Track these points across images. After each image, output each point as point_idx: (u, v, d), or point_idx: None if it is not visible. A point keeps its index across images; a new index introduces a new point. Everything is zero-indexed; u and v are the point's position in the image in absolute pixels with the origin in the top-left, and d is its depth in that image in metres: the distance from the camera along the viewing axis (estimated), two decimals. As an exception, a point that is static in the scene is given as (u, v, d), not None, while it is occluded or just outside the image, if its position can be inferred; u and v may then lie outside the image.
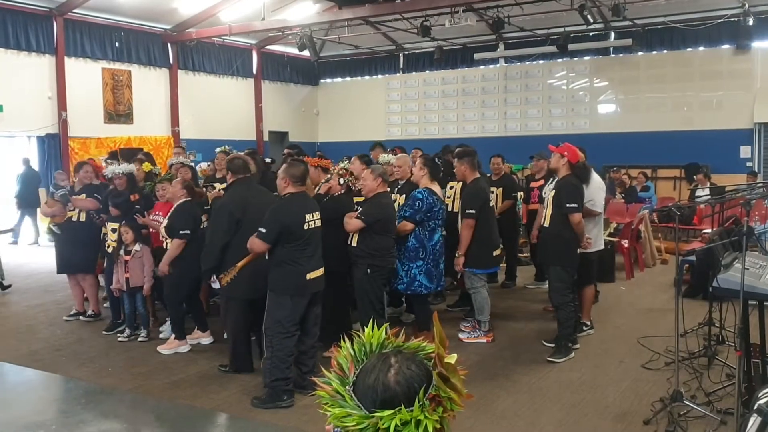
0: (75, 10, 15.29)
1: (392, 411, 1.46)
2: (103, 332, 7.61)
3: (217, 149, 8.67)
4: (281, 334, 5.41)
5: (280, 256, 5.39)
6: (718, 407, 5.02)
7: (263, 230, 5.32)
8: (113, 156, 10.78)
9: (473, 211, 6.92)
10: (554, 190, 6.66)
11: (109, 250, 7.54)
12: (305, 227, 5.38)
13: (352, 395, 1.51)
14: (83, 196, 7.95)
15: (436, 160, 7.88)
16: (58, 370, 6.41)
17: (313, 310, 5.68)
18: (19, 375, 6.50)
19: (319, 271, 5.58)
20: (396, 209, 6.77)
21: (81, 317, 8.23)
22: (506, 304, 8.74)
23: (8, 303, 9.23)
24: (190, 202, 6.95)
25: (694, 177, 14.38)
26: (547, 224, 6.70)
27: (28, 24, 14.77)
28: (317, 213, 5.58)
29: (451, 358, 1.54)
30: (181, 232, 6.70)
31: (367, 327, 1.63)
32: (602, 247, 7.44)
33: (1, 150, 15.61)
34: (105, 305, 8.48)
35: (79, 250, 7.99)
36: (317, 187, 6.91)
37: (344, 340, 1.62)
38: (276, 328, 5.43)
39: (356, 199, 6.82)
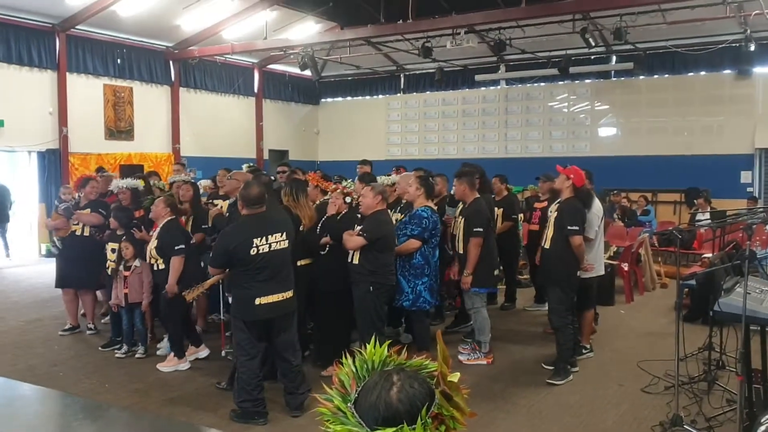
0: (78, 27, 15.32)
1: (394, 429, 1.44)
2: (100, 348, 7.58)
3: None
4: (243, 357, 5.42)
5: (233, 279, 5.45)
6: (719, 432, 4.99)
7: (212, 255, 5.40)
8: (101, 171, 10.80)
9: (481, 229, 6.94)
10: (556, 212, 6.65)
11: (108, 271, 7.52)
12: (252, 252, 5.21)
13: (354, 412, 1.50)
14: (88, 211, 7.96)
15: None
16: (55, 386, 6.35)
17: (279, 338, 5.54)
18: (16, 390, 6.41)
19: (276, 297, 5.36)
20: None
21: (88, 331, 8.21)
22: (506, 326, 8.70)
23: (5, 318, 9.19)
24: (175, 220, 6.96)
25: (695, 201, 14.40)
26: (547, 246, 6.68)
27: (31, 39, 14.79)
28: (278, 234, 5.37)
29: (454, 377, 1.53)
30: (176, 248, 6.68)
31: (368, 344, 1.62)
32: (602, 272, 7.36)
33: (2, 165, 15.65)
34: (103, 321, 8.46)
35: (81, 264, 7.98)
36: (314, 204, 6.98)
37: (346, 357, 1.61)
38: (237, 351, 5.49)
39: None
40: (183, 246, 6.71)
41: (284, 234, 5.43)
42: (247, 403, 5.43)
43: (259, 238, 5.24)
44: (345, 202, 6.62)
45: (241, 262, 5.24)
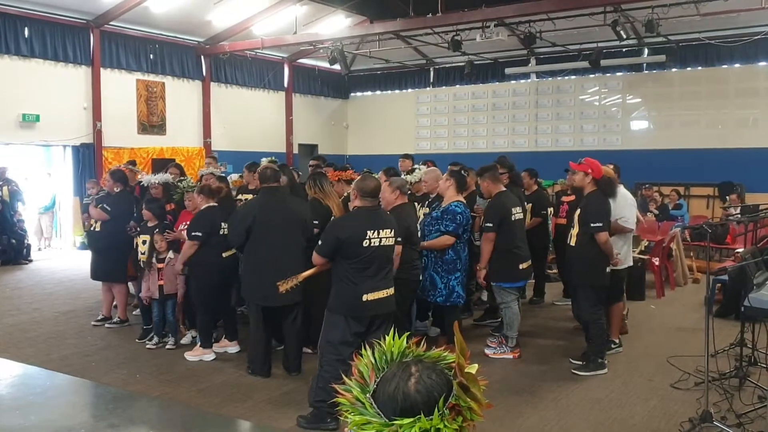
0: (111, 23, 15.55)
1: (412, 419, 1.46)
2: (137, 340, 7.65)
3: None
4: (332, 355, 5.15)
5: (338, 272, 5.16)
6: (750, 429, 4.93)
7: (320, 243, 5.13)
8: (132, 164, 10.94)
9: (491, 225, 6.92)
10: (580, 208, 6.56)
11: (141, 264, 7.60)
12: (365, 244, 5.07)
13: (372, 403, 1.52)
14: (100, 205, 8.05)
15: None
16: (88, 376, 6.47)
17: (374, 335, 5.20)
18: (49, 380, 6.56)
19: (382, 293, 5.19)
20: (418, 221, 6.78)
21: (106, 324, 8.31)
22: (534, 320, 8.68)
23: (40, 308, 9.36)
24: (210, 208, 7.02)
25: (727, 197, 14.19)
26: (573, 243, 6.57)
27: (66, 35, 15.05)
28: (388, 231, 5.23)
29: (472, 368, 1.54)
30: (192, 233, 6.80)
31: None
32: (631, 263, 7.31)
33: (38, 159, 15.93)
34: (134, 313, 8.57)
35: (101, 258, 8.12)
36: (340, 198, 6.98)
37: (365, 348, 1.63)
38: (327, 349, 5.19)
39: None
40: (199, 233, 6.78)
41: (393, 231, 5.29)
42: (322, 403, 5.16)
43: (372, 231, 5.11)
44: None
45: (351, 253, 5.07)
